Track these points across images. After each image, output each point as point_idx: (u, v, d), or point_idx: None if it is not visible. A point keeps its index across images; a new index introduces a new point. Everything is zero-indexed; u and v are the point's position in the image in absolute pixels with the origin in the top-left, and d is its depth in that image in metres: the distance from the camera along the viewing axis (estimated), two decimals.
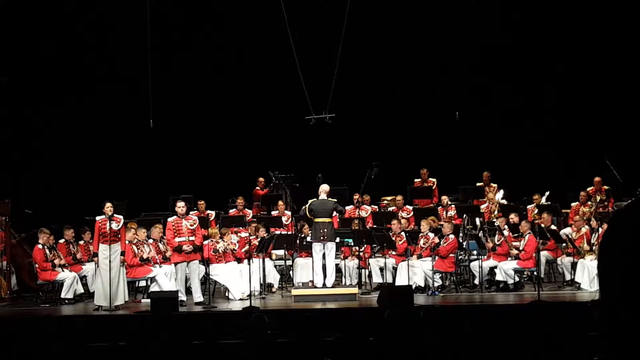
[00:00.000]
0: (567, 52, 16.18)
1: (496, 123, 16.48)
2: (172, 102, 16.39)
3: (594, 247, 12.29)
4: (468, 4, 15.41)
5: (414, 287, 11.85)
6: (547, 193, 14.53)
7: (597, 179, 14.29)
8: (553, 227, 13.12)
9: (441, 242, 12.55)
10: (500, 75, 16.32)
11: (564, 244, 12.88)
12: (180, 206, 11.91)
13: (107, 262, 11.37)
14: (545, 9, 16.20)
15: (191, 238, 11.85)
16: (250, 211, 15.00)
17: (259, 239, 12.81)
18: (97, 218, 11.65)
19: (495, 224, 13.03)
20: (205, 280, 12.48)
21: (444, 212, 14.48)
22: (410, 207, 14.66)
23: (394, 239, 12.84)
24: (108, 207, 11.51)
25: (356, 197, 14.07)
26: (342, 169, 15.35)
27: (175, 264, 11.94)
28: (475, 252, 12.99)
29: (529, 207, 14.26)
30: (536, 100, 16.46)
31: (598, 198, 14.09)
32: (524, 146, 16.33)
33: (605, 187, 14.29)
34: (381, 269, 12.87)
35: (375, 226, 13.76)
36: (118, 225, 11.61)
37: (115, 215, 11.61)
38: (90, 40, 16.46)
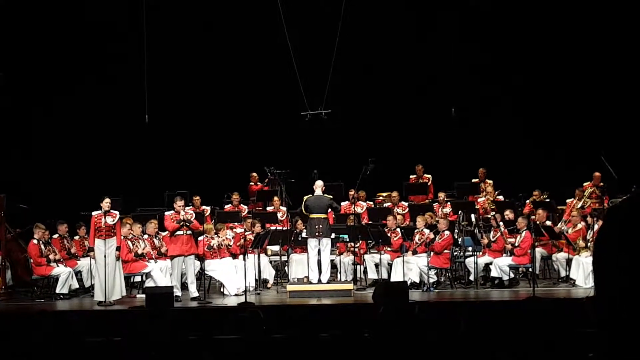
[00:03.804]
0: (565, 49, 16.17)
1: (492, 119, 16.48)
2: (168, 97, 16.36)
3: (589, 244, 12.31)
4: (463, 1, 15.42)
5: (409, 283, 11.87)
6: (548, 193, 14.50)
7: (596, 174, 14.29)
8: (548, 223, 13.13)
9: (436, 238, 12.56)
10: (497, 72, 16.31)
11: (559, 239, 12.90)
12: (181, 204, 12.00)
13: (103, 257, 11.40)
14: (541, 5, 16.19)
15: (188, 232, 11.95)
16: (245, 207, 15.00)
17: (254, 235, 12.82)
18: (94, 213, 11.70)
19: (490, 216, 13.05)
20: (201, 276, 12.49)
21: (440, 209, 14.48)
22: (406, 203, 14.67)
23: (389, 235, 12.84)
24: (106, 202, 11.61)
25: (351, 193, 14.07)
26: (337, 165, 15.33)
27: (172, 257, 11.96)
28: (470, 249, 13.01)
29: (527, 201, 14.23)
30: (532, 96, 16.46)
31: (589, 191, 14.11)
32: (519, 142, 16.33)
33: (601, 183, 14.31)
34: (376, 265, 12.87)
35: (370, 222, 13.75)
36: (113, 220, 11.66)
37: (111, 210, 11.67)
38: (86, 35, 16.39)
